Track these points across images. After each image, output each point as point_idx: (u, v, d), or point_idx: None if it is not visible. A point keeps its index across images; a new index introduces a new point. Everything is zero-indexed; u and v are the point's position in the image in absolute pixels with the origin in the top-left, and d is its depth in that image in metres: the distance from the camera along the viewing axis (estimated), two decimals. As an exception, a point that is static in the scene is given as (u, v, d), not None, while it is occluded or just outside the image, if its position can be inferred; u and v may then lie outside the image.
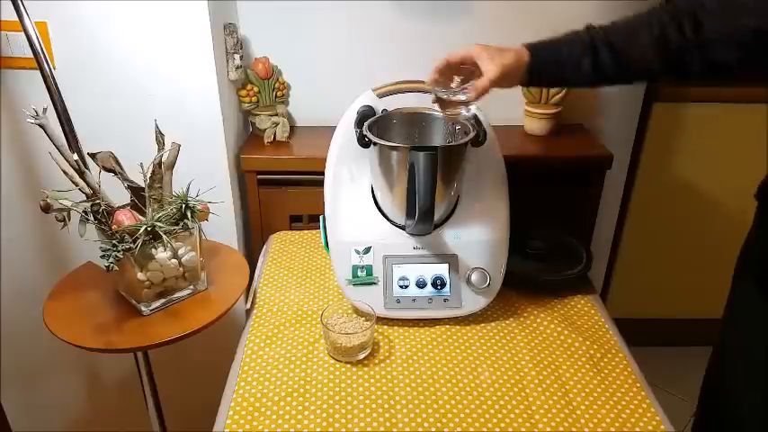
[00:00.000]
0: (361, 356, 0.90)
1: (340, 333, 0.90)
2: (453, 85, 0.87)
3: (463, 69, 0.85)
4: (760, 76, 1.35)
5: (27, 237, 1.26)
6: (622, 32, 0.79)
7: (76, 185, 0.90)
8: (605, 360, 0.91)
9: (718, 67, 0.75)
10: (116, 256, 0.86)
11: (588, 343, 0.94)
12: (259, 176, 1.26)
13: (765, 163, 1.49)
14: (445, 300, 0.96)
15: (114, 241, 0.87)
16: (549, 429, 0.78)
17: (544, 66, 0.82)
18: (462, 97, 0.85)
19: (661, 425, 0.79)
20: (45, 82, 0.96)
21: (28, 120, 0.86)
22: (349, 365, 0.89)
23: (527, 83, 0.84)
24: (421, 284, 0.96)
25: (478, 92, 0.82)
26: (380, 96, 0.99)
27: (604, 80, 0.83)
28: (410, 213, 0.92)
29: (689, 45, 0.75)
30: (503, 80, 0.81)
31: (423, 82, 0.99)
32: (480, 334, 0.96)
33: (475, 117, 0.95)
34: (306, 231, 1.27)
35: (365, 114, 0.97)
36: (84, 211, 0.90)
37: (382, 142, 0.90)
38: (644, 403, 0.83)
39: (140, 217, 0.91)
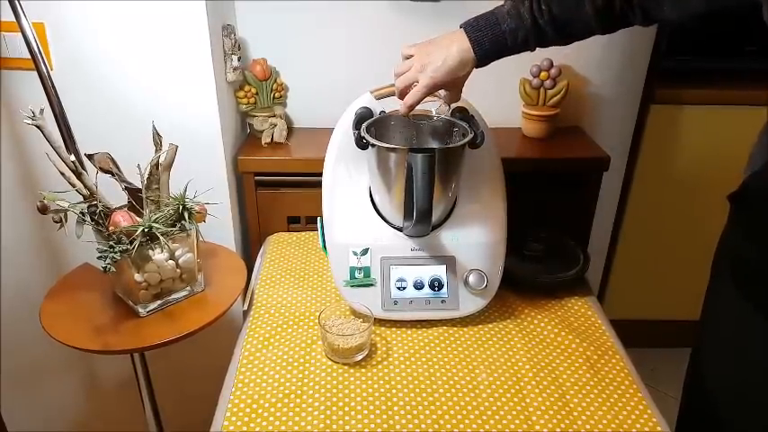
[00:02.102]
0: (359, 358, 0.90)
1: (337, 334, 0.90)
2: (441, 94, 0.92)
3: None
4: (758, 78, 1.35)
5: (24, 238, 1.26)
6: (565, 7, 0.80)
7: (73, 186, 0.90)
8: (602, 361, 0.91)
9: (659, 22, 0.80)
10: (113, 257, 0.86)
11: (585, 344, 0.94)
12: (257, 178, 1.26)
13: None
14: (443, 301, 0.96)
15: (111, 242, 0.87)
16: (545, 430, 0.78)
17: (491, 58, 0.85)
18: (443, 113, 0.95)
19: (657, 426, 0.80)
20: (42, 83, 0.96)
21: (25, 121, 0.86)
22: (346, 367, 0.89)
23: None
24: (418, 286, 0.96)
25: (405, 107, 0.88)
26: (378, 98, 0.99)
27: (545, 47, 0.87)
28: (408, 215, 0.92)
29: (633, 5, 0.78)
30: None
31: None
32: (478, 335, 0.96)
33: (472, 119, 0.95)
34: (303, 233, 1.27)
35: (363, 116, 0.97)
36: (81, 213, 0.90)
37: (380, 144, 0.90)
38: (640, 404, 0.83)
39: (137, 218, 0.91)
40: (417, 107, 0.93)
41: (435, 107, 0.97)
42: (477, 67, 0.86)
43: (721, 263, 0.85)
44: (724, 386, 0.83)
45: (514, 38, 0.83)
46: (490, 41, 0.83)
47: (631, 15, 0.80)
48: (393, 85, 0.99)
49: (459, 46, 0.83)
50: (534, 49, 0.86)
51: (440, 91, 0.90)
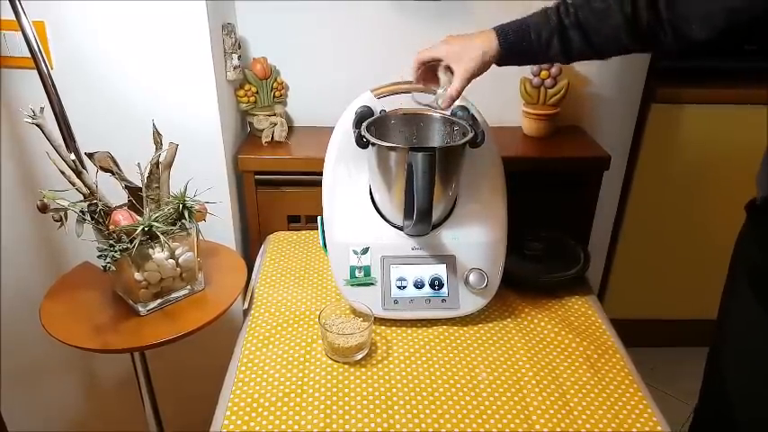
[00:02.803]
0: (359, 357, 0.90)
1: (337, 334, 0.90)
2: (442, 81, 0.89)
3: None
4: (758, 77, 1.35)
5: (24, 237, 1.26)
6: (593, 12, 0.79)
7: (74, 185, 0.90)
8: (602, 360, 0.91)
9: (692, 44, 0.76)
10: (113, 256, 0.86)
11: (585, 343, 0.94)
12: (257, 177, 1.26)
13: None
14: (443, 300, 0.96)
15: (111, 241, 0.87)
16: (546, 430, 0.78)
17: (513, 53, 0.84)
18: (436, 105, 0.90)
19: (658, 425, 0.80)
20: (42, 81, 0.96)
21: (25, 119, 0.86)
22: (346, 366, 0.89)
23: (498, 65, 0.87)
24: (419, 285, 0.96)
25: (448, 102, 0.87)
26: (379, 97, 0.99)
27: (575, 59, 0.85)
28: (408, 214, 0.92)
29: (662, 22, 0.76)
30: (473, 78, 0.85)
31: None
32: (478, 335, 0.96)
33: (473, 118, 0.95)
34: (304, 232, 1.27)
35: (363, 115, 0.97)
36: (82, 211, 0.90)
37: (380, 143, 0.90)
38: (641, 404, 0.83)
39: (137, 217, 0.91)
40: (417, 107, 0.93)
41: (440, 91, 0.94)
42: (499, 63, 0.85)
43: (737, 266, 0.86)
44: (739, 387, 0.83)
45: (538, 34, 0.81)
46: (514, 33, 0.83)
47: (662, 34, 0.77)
48: (394, 84, 0.99)
49: (486, 35, 0.84)
50: (565, 59, 0.83)
51: (440, 74, 0.89)
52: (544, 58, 0.85)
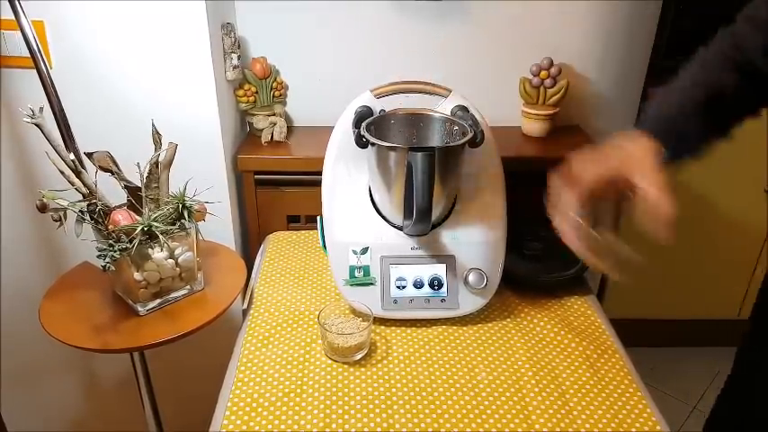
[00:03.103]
0: (358, 357, 0.90)
1: (337, 333, 0.90)
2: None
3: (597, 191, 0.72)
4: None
5: (24, 237, 1.26)
6: (712, 65, 0.73)
7: (73, 185, 0.90)
8: (602, 361, 0.91)
9: None
10: (112, 256, 0.85)
11: (585, 343, 0.94)
12: (256, 177, 1.26)
13: (763, 164, 1.49)
14: (442, 300, 0.96)
15: (111, 241, 0.87)
16: (545, 430, 0.78)
17: (666, 129, 0.71)
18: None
19: (657, 425, 0.80)
20: (41, 81, 0.96)
21: (24, 119, 0.86)
22: (346, 366, 0.89)
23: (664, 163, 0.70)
24: (418, 285, 0.96)
25: (668, 224, 0.66)
26: (378, 97, 0.99)
27: (727, 118, 0.74)
28: (408, 214, 0.92)
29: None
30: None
31: (421, 83, 0.99)
32: (477, 334, 0.96)
33: (472, 118, 0.95)
34: (303, 232, 1.26)
35: (363, 115, 0.97)
36: (81, 211, 0.90)
37: (380, 143, 0.90)
38: (640, 404, 0.83)
39: (137, 217, 0.91)
40: (418, 106, 0.93)
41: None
42: (664, 157, 0.70)
43: None
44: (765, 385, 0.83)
45: (678, 98, 0.71)
46: (653, 120, 0.72)
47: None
48: (394, 84, 0.99)
49: (623, 134, 0.71)
50: (715, 114, 0.73)
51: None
52: (700, 131, 0.73)
